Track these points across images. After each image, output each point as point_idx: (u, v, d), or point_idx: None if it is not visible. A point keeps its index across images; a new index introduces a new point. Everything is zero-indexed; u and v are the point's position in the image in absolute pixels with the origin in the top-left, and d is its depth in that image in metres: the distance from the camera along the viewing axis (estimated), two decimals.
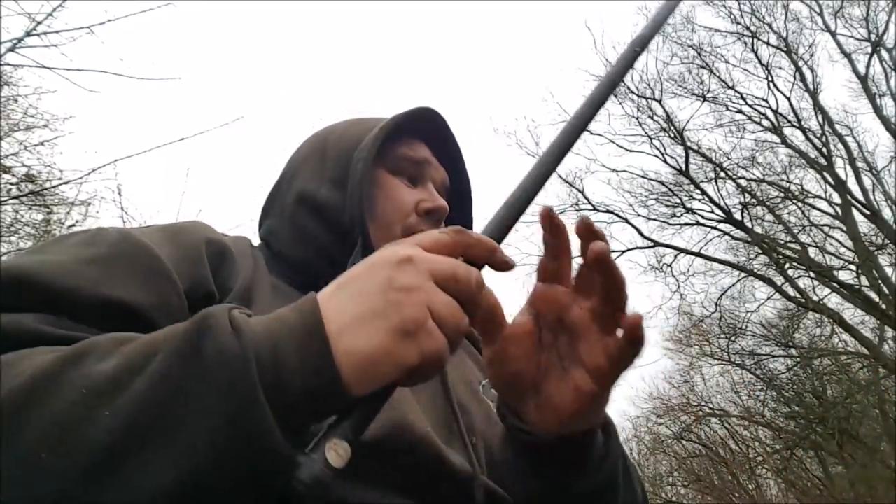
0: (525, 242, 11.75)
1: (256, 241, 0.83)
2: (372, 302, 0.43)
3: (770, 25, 11.13)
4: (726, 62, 11.37)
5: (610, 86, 0.63)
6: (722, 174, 11.07)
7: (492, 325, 0.56)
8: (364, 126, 0.82)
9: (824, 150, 10.94)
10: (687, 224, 11.44)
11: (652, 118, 11.30)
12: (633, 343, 0.52)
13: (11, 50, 4.44)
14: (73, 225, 5.29)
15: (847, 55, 11.06)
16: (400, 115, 0.81)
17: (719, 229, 11.26)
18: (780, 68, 11.21)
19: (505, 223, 0.53)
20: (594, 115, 0.62)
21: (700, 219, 11.37)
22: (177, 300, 0.58)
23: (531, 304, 0.57)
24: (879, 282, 9.95)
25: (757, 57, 11.18)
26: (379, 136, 0.77)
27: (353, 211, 0.74)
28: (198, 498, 0.39)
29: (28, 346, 0.45)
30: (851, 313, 10.45)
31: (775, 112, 11.18)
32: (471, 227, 0.89)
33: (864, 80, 10.87)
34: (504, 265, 0.50)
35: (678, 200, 11.41)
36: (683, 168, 11.07)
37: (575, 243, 0.55)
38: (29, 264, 0.51)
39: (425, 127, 0.85)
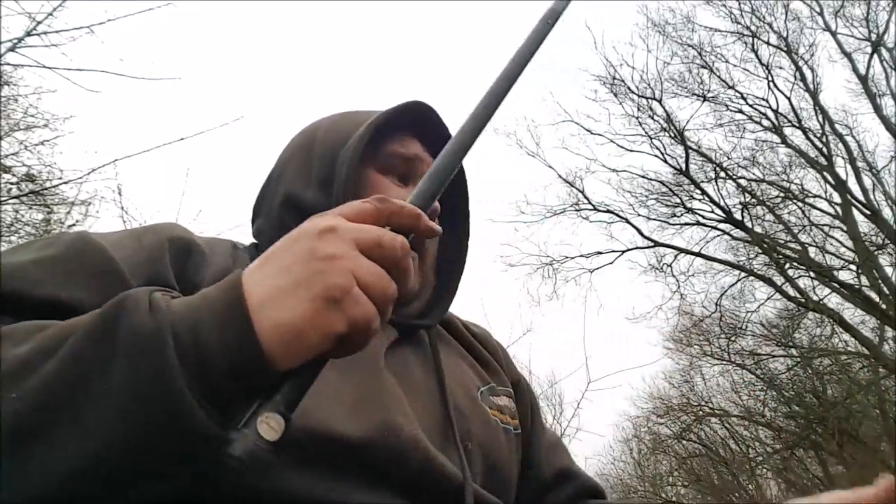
0: (525, 242, 11.76)
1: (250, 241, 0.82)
2: (294, 273, 0.42)
3: (770, 25, 11.14)
4: (726, 62, 11.38)
5: (523, 60, 0.65)
6: (722, 174, 11.07)
7: None
8: (352, 122, 0.79)
9: (824, 149, 10.94)
10: (687, 224, 11.44)
11: (652, 118, 11.30)
12: None
13: (11, 50, 4.44)
14: (73, 225, 5.30)
15: (847, 55, 11.07)
16: (389, 111, 0.78)
17: (719, 229, 11.26)
18: (780, 68, 11.23)
19: (429, 192, 0.53)
20: (509, 89, 0.62)
21: (700, 219, 11.37)
22: None
23: None
24: (879, 282, 9.95)
25: (757, 57, 11.19)
26: (365, 135, 0.75)
27: None
28: (118, 479, 0.39)
29: None
30: (851, 313, 10.46)
31: (775, 112, 11.18)
32: (468, 225, 0.87)
33: (864, 79, 10.87)
34: (429, 231, 0.50)
35: (678, 200, 11.41)
36: (683, 168, 11.07)
37: None
38: None
39: (418, 122, 0.81)
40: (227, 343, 0.40)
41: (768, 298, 11.27)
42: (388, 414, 0.62)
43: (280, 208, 0.77)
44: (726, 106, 11.37)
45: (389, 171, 0.79)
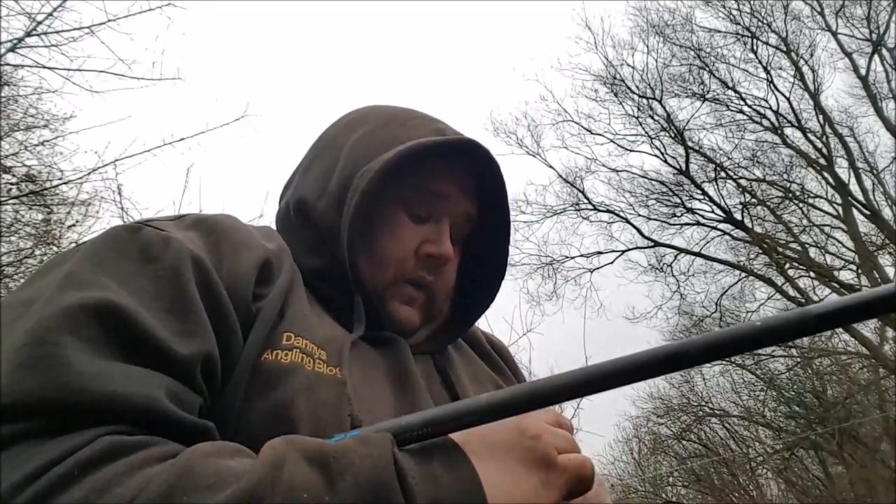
0: (526, 242, 11.77)
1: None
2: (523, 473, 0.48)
3: (770, 25, 11.14)
4: (726, 62, 11.39)
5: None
6: (722, 174, 11.08)
7: None
8: (391, 135, 0.72)
9: (825, 150, 10.94)
10: (687, 224, 11.46)
11: (652, 118, 11.32)
12: None
13: (11, 50, 4.44)
14: (73, 225, 5.30)
15: (848, 55, 11.07)
16: (426, 143, 0.70)
17: (719, 229, 11.27)
18: (780, 68, 11.23)
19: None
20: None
21: (700, 219, 11.39)
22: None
23: None
24: (879, 282, 9.95)
25: (757, 57, 11.19)
26: (386, 166, 0.68)
27: (342, 253, 0.68)
28: None
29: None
30: None
31: (776, 112, 11.19)
32: (504, 266, 0.82)
33: (864, 79, 10.86)
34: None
35: (678, 200, 11.43)
36: (684, 168, 11.07)
37: None
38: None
39: (463, 156, 0.74)
40: None
41: (768, 298, 11.29)
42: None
43: (293, 207, 0.75)
44: (727, 106, 11.39)
45: (410, 203, 0.73)
